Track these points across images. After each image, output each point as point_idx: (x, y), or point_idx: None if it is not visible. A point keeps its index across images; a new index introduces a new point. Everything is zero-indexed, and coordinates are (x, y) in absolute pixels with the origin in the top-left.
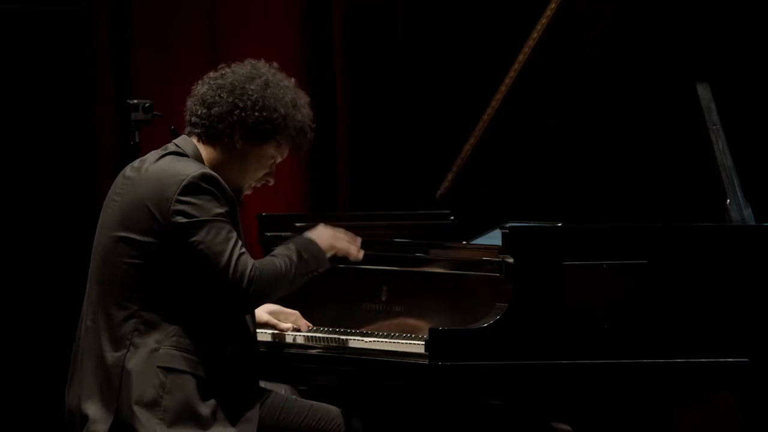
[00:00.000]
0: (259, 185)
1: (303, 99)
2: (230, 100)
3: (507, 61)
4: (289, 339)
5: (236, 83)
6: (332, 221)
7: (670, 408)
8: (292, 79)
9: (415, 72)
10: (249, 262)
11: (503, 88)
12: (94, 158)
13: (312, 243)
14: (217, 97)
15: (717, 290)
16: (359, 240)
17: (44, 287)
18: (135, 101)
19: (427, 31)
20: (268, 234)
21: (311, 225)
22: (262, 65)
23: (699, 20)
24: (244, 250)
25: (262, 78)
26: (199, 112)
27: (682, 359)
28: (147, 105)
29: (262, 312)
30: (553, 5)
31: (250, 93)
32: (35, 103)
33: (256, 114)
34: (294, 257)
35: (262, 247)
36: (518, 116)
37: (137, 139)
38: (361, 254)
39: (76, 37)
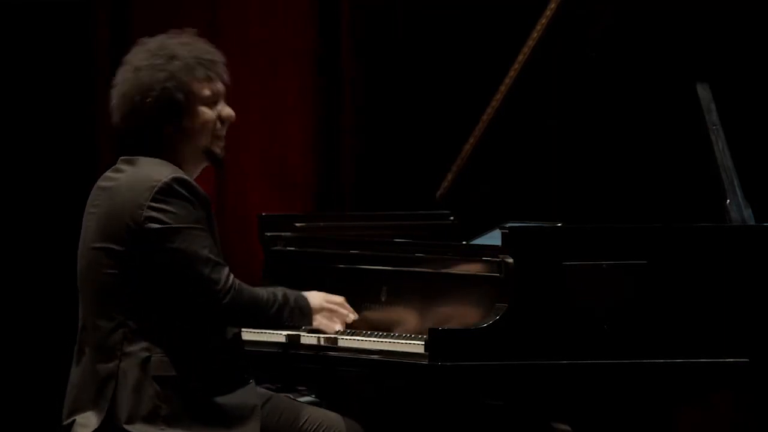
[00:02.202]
0: (225, 126)
1: (174, 42)
2: (128, 109)
3: (507, 61)
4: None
5: (125, 98)
6: (333, 221)
7: (670, 408)
8: (157, 38)
9: (415, 72)
10: (224, 271)
11: (503, 88)
12: (94, 158)
13: (302, 297)
14: (128, 120)
15: (717, 290)
16: (351, 313)
17: (44, 288)
18: None
19: (427, 31)
20: (268, 234)
21: (311, 225)
22: (127, 59)
23: (699, 20)
24: (219, 259)
25: (131, 72)
26: (128, 138)
27: (682, 359)
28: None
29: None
30: (553, 5)
31: (133, 90)
32: (35, 104)
33: (160, 101)
34: (280, 298)
35: (262, 246)
36: (518, 116)
37: None
38: (349, 319)
39: (76, 36)
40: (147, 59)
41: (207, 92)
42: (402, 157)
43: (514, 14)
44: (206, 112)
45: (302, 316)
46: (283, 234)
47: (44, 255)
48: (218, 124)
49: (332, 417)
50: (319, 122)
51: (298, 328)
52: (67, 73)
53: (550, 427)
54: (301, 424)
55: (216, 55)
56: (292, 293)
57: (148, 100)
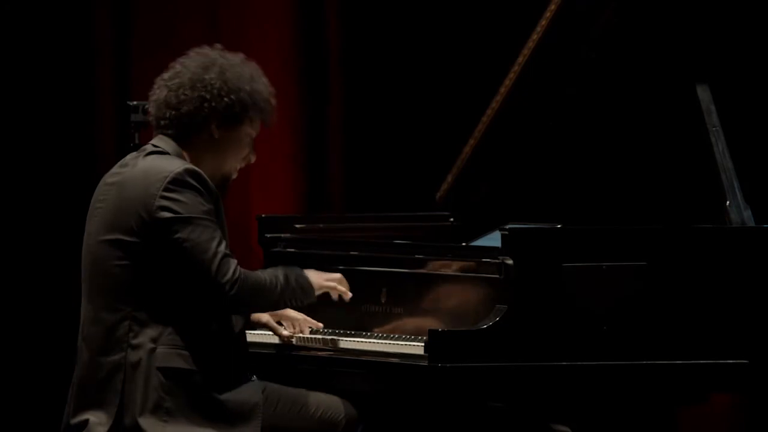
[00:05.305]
0: (243, 165)
1: (257, 70)
2: (195, 95)
3: (507, 62)
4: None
5: (194, 77)
6: (332, 222)
7: (670, 410)
8: (241, 54)
9: (415, 72)
10: (232, 263)
11: (503, 89)
12: (93, 159)
13: (302, 276)
14: (181, 96)
15: (717, 292)
16: (347, 291)
17: (44, 289)
18: (135, 103)
19: (426, 31)
20: (268, 235)
21: (311, 227)
22: (209, 51)
23: (699, 21)
24: (228, 251)
25: (216, 64)
26: (167, 115)
27: (682, 361)
28: (147, 106)
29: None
30: (553, 6)
31: (212, 83)
32: (35, 104)
33: (225, 100)
34: (282, 279)
35: (262, 248)
36: (518, 117)
37: (137, 141)
38: (349, 295)
39: (76, 37)
40: (234, 68)
41: (254, 131)
42: (402, 158)
43: (514, 15)
44: (246, 141)
45: (304, 294)
46: (282, 235)
47: (43, 254)
48: (243, 160)
49: (329, 399)
50: (319, 122)
51: (300, 307)
52: (67, 73)
53: (549, 429)
54: (299, 408)
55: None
56: (291, 272)
57: (225, 100)
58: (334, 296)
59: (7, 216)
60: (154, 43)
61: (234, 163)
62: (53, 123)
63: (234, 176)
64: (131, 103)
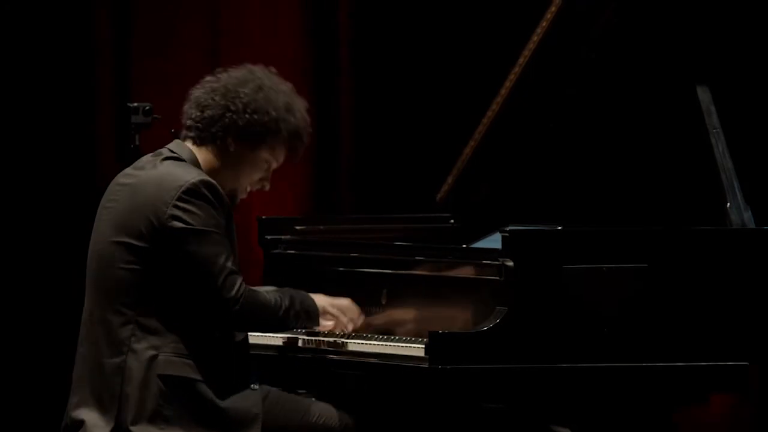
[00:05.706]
0: (254, 189)
1: (299, 103)
2: (222, 102)
3: (508, 63)
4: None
5: (229, 86)
6: (333, 224)
7: (670, 411)
8: (289, 84)
9: (416, 74)
10: (238, 280)
11: (503, 90)
12: (93, 161)
13: (308, 300)
14: (210, 100)
15: (717, 293)
16: (360, 317)
17: (44, 291)
18: (135, 104)
19: (427, 33)
20: (268, 237)
21: (311, 228)
22: (258, 69)
23: (699, 21)
24: (235, 267)
25: (255, 81)
26: (193, 115)
27: (682, 363)
28: (147, 108)
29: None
30: (553, 7)
31: (242, 96)
32: (35, 104)
33: (247, 117)
34: (287, 302)
35: (262, 250)
36: (518, 118)
37: (137, 142)
38: (351, 327)
39: (76, 37)
40: (271, 91)
41: (274, 160)
42: (402, 159)
43: (516, 16)
44: (262, 166)
45: (308, 318)
46: (283, 237)
47: (42, 254)
48: (256, 184)
49: (330, 409)
50: (319, 123)
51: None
52: (67, 74)
53: (550, 431)
54: (300, 417)
55: (307, 139)
56: (298, 295)
57: (247, 117)
58: (335, 327)
59: (7, 216)
60: (154, 43)
61: (245, 183)
62: (53, 123)
63: (242, 196)
64: (131, 105)
